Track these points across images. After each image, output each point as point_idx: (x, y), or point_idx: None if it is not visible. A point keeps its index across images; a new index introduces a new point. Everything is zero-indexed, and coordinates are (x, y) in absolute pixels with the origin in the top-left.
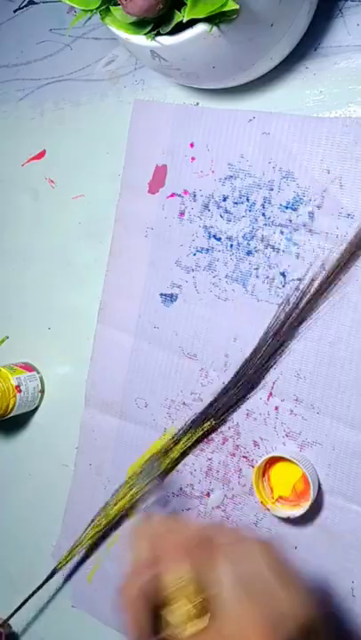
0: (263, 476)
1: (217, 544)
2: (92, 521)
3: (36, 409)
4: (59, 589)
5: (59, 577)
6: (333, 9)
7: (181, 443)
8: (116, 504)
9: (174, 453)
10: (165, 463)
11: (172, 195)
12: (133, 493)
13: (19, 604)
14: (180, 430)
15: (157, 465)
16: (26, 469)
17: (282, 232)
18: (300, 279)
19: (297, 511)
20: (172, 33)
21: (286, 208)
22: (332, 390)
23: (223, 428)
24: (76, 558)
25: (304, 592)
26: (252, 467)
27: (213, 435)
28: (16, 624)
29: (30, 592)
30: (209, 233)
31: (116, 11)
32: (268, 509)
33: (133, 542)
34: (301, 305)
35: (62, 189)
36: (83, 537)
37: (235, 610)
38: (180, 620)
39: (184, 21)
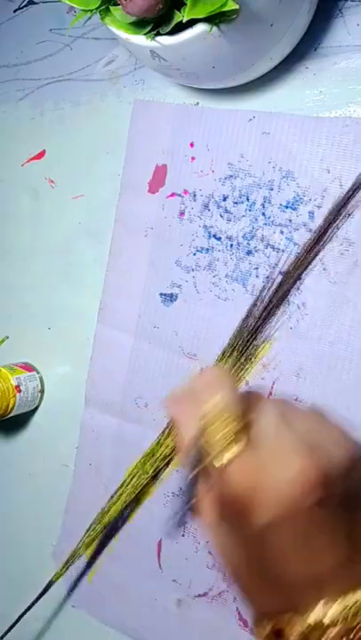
0: None
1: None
2: (88, 530)
3: (36, 409)
4: (61, 590)
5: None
6: (333, 9)
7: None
8: (109, 510)
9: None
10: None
11: (172, 194)
12: (129, 492)
13: (18, 605)
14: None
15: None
16: (26, 469)
17: (282, 232)
18: (299, 278)
19: None
20: (171, 33)
21: (286, 208)
22: (332, 390)
23: None
24: (77, 564)
25: (344, 433)
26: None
27: None
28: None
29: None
30: (209, 233)
31: (116, 11)
32: None
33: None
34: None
35: (62, 189)
36: (79, 546)
37: (273, 435)
38: (217, 445)
39: (184, 21)
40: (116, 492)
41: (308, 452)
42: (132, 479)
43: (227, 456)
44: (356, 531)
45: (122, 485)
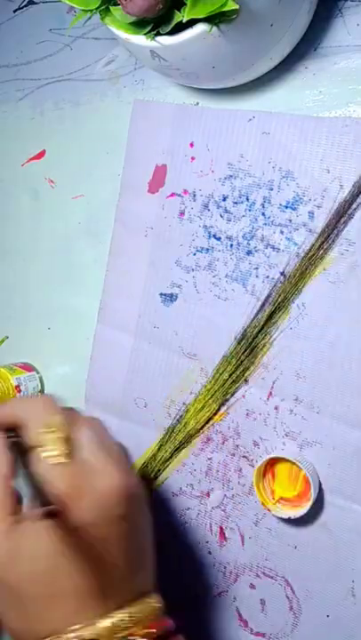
0: (264, 476)
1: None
2: None
3: None
4: None
5: None
6: (333, 9)
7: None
8: None
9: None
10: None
11: (172, 194)
12: None
13: None
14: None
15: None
16: None
17: (282, 232)
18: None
19: (298, 512)
20: (171, 33)
21: (286, 208)
22: (332, 390)
23: (223, 428)
24: None
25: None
26: (252, 466)
27: (213, 434)
28: None
29: None
30: (209, 233)
31: (116, 11)
32: (269, 510)
33: None
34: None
35: (62, 189)
36: None
37: (95, 449)
38: (48, 456)
39: (184, 21)
40: None
41: (126, 470)
42: None
43: (53, 456)
44: (134, 541)
45: None
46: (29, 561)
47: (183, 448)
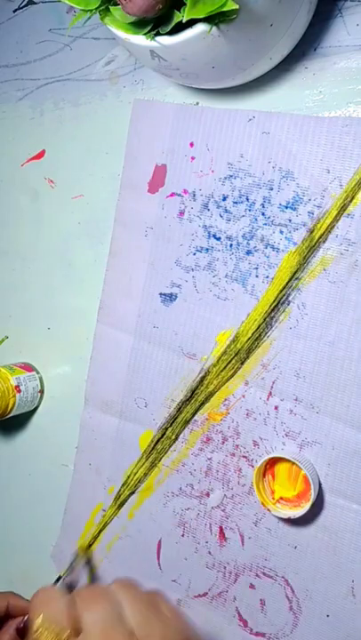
0: (263, 476)
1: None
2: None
3: (36, 409)
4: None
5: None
6: (333, 9)
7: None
8: (104, 517)
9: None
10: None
11: (172, 194)
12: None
13: None
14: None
15: None
16: (25, 469)
17: (281, 232)
18: (299, 276)
19: (297, 512)
20: (171, 33)
21: (286, 208)
22: (331, 390)
23: (223, 428)
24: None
25: (163, 625)
26: (252, 466)
27: (213, 434)
28: None
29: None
30: (209, 232)
31: (116, 11)
32: (269, 510)
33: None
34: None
35: (62, 189)
36: (78, 552)
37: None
38: None
39: (183, 21)
40: (117, 493)
41: None
42: (132, 478)
43: None
44: None
45: (123, 485)
46: None
47: (202, 407)
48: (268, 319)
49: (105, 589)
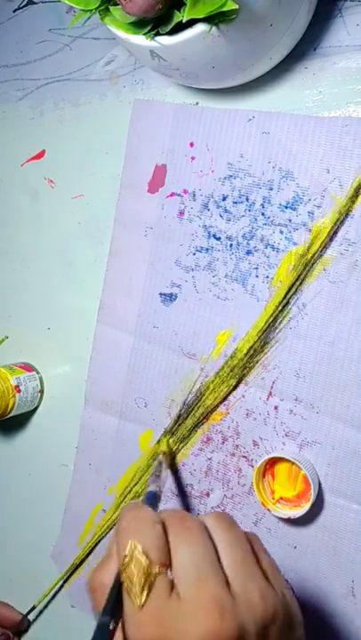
0: (263, 476)
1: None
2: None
3: (36, 409)
4: (58, 590)
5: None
6: (333, 9)
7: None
8: (107, 520)
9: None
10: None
11: (172, 194)
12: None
13: (17, 604)
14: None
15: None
16: (25, 469)
17: (281, 232)
18: (298, 277)
19: (297, 512)
20: (171, 33)
21: (286, 208)
22: (331, 390)
23: (223, 428)
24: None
25: (263, 584)
26: (252, 466)
27: (213, 434)
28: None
29: (30, 604)
30: (208, 232)
31: (116, 11)
32: (269, 510)
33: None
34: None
35: (62, 189)
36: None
37: (192, 582)
38: (133, 588)
39: (183, 21)
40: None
41: (222, 613)
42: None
43: (139, 600)
44: None
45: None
46: None
47: (202, 424)
48: (263, 337)
49: (200, 523)
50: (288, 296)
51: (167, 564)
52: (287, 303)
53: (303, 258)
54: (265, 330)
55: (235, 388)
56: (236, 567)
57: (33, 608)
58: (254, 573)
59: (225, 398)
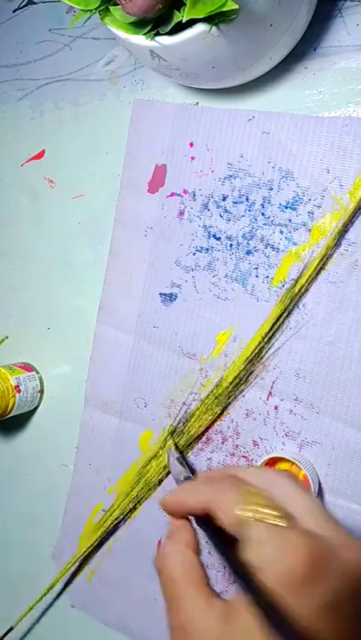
0: None
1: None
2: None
3: (36, 409)
4: (58, 590)
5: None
6: (333, 9)
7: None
8: (107, 519)
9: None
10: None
11: (172, 194)
12: (130, 499)
13: (17, 604)
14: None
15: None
16: (26, 469)
17: (281, 232)
18: (298, 278)
19: None
20: (171, 33)
21: (286, 208)
22: (331, 390)
23: (223, 428)
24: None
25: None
26: (252, 466)
27: (213, 434)
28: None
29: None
30: (208, 232)
31: (116, 11)
32: None
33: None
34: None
35: (62, 189)
36: (75, 555)
37: (323, 524)
38: (272, 518)
39: (183, 21)
40: (110, 506)
41: (322, 562)
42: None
43: (280, 519)
44: None
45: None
46: None
47: (185, 453)
48: (248, 367)
49: (286, 474)
50: (274, 327)
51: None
52: (273, 334)
53: (290, 291)
54: (250, 360)
55: (219, 416)
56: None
57: (10, 629)
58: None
59: (209, 427)
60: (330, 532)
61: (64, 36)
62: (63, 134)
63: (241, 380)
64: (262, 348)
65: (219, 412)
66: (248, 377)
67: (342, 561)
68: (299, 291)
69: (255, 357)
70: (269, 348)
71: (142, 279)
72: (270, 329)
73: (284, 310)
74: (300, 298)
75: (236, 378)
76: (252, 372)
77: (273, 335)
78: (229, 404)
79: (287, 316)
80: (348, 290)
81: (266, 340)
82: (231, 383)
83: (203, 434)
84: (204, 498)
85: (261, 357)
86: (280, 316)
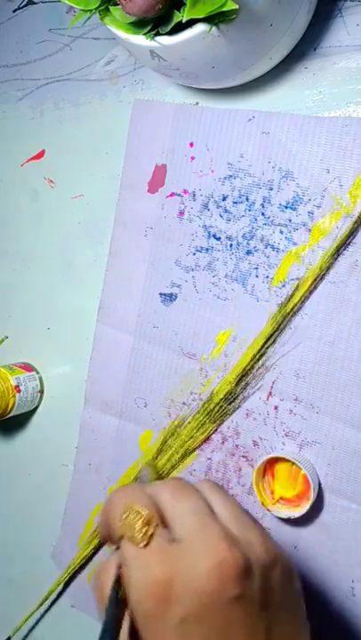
0: (263, 476)
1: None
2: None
3: (36, 409)
4: (59, 590)
5: (58, 577)
6: (333, 9)
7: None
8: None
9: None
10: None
11: (172, 194)
12: None
13: (17, 604)
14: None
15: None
16: (26, 469)
17: (281, 232)
18: (298, 278)
19: (297, 512)
20: (171, 33)
21: (286, 208)
22: (331, 390)
23: (222, 428)
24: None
25: (264, 530)
26: (252, 466)
27: (213, 434)
28: (15, 625)
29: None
30: (208, 232)
31: (116, 11)
32: (269, 510)
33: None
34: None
35: (62, 189)
36: (74, 560)
37: (195, 523)
38: (135, 537)
39: (183, 21)
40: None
41: (229, 545)
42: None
43: (142, 541)
44: (276, 631)
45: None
46: None
47: (179, 464)
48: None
49: (192, 485)
50: (262, 350)
51: (164, 520)
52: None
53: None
54: (244, 374)
55: (213, 432)
56: (233, 519)
57: (8, 639)
58: (252, 525)
59: (203, 442)
60: (195, 538)
61: (64, 36)
62: (63, 134)
63: (232, 394)
64: (263, 353)
65: (213, 429)
66: (245, 388)
67: (188, 572)
68: (299, 300)
69: (256, 363)
70: (268, 354)
71: (142, 279)
72: (271, 335)
73: (284, 319)
74: (301, 305)
75: (227, 393)
76: (247, 383)
77: (275, 340)
78: (223, 422)
79: (288, 322)
80: (348, 290)
81: (266, 346)
82: (222, 398)
83: (197, 448)
84: (102, 517)
85: (263, 363)
86: (281, 322)
